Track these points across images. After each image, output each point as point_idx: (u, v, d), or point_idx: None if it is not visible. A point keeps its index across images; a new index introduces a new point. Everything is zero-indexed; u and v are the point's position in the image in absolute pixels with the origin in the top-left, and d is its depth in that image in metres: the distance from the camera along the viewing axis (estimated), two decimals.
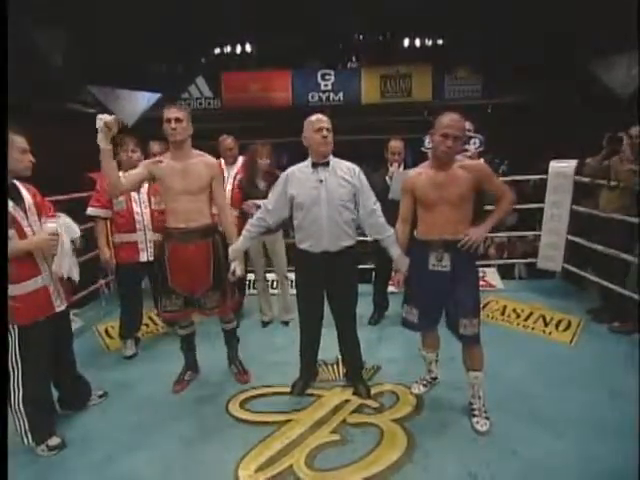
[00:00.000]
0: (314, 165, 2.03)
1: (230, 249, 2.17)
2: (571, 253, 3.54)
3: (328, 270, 2.07)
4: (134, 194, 2.64)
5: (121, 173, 2.10)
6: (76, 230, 1.95)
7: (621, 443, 1.80)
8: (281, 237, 3.07)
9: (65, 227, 1.88)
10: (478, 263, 2.07)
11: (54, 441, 1.92)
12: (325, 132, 1.98)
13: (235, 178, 3.03)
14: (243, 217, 2.83)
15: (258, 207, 2.31)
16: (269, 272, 3.27)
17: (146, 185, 2.64)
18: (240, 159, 3.12)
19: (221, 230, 2.28)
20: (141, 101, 8.42)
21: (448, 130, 1.82)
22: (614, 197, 2.97)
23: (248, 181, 2.93)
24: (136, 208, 2.67)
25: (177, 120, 2.02)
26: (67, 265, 1.87)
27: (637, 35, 3.91)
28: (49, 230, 1.82)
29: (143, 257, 2.69)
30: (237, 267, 2.16)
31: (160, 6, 6.23)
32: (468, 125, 2.83)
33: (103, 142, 1.88)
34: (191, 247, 2.13)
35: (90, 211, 2.70)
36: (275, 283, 3.60)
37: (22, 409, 1.83)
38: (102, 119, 1.83)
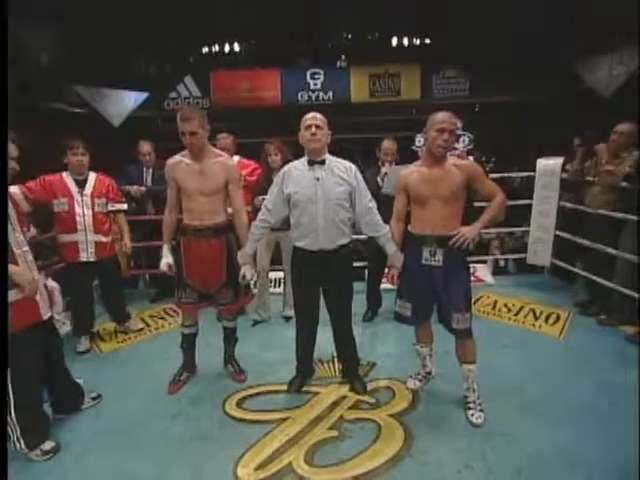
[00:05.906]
0: (310, 163, 2.03)
1: (239, 254, 2.19)
2: (558, 248, 3.62)
3: (324, 268, 2.08)
4: (77, 196, 2.67)
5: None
6: None
7: (612, 432, 1.85)
8: None
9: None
10: (470, 259, 2.10)
11: (48, 445, 1.89)
12: (314, 129, 1.98)
13: None
14: (254, 213, 2.82)
15: None
16: (272, 271, 3.29)
17: (91, 187, 2.71)
18: (235, 158, 3.10)
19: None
20: (127, 101, 8.29)
21: (444, 125, 1.86)
22: (599, 193, 3.05)
23: (264, 179, 2.93)
24: (78, 209, 2.67)
25: (192, 134, 2.03)
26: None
27: (638, 34, 4.01)
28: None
29: (83, 257, 2.71)
30: (247, 271, 2.19)
31: (148, 5, 6.16)
32: (457, 123, 2.86)
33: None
34: (204, 244, 2.17)
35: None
36: (277, 282, 3.67)
37: (13, 415, 1.79)
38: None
